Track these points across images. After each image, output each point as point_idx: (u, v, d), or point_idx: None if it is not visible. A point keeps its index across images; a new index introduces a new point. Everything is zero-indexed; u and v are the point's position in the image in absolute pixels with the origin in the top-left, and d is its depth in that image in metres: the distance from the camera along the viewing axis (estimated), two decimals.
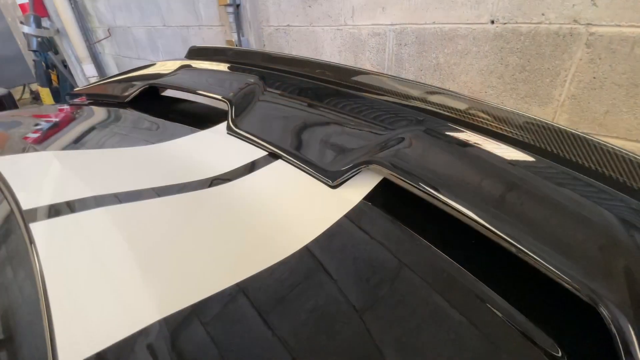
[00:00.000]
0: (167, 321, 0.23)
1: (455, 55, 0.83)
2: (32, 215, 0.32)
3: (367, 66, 1.00)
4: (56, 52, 3.05)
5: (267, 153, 0.50)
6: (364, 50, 1.00)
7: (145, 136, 0.67)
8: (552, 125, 0.40)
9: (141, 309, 0.24)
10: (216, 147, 0.55)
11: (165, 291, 0.26)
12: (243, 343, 0.23)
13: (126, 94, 0.86)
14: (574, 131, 0.39)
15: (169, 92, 0.87)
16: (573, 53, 0.67)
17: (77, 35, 2.78)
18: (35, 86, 3.90)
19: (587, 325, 0.25)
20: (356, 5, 0.96)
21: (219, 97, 0.66)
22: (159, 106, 0.85)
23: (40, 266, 0.26)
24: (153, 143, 0.58)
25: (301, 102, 0.61)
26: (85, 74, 2.91)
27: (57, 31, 2.83)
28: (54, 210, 0.33)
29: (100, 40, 2.65)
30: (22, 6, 2.79)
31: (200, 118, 0.74)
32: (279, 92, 0.66)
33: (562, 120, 0.73)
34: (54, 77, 3.10)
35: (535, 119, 0.42)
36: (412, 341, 0.24)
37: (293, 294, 0.27)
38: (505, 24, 0.73)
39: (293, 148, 0.49)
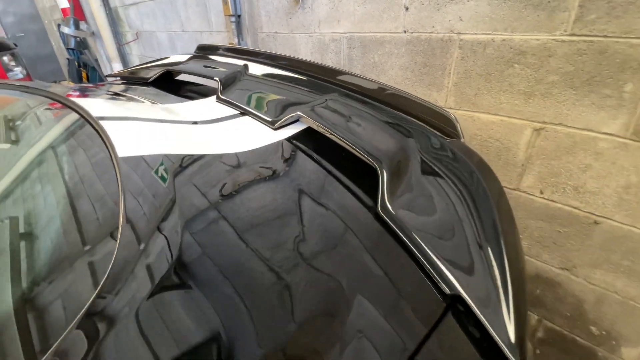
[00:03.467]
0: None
1: (384, 56, 1.16)
2: (102, 120, 0.64)
3: (329, 64, 1.33)
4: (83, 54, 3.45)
5: (239, 112, 0.81)
6: (327, 52, 1.34)
7: (162, 100, 1.01)
8: (398, 90, 0.73)
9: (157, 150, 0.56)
10: (209, 108, 0.86)
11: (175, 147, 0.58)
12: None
13: (149, 76, 1.20)
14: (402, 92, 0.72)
15: (182, 77, 1.20)
16: (452, 53, 0.99)
17: (109, 37, 3.21)
18: (65, 83, 4.36)
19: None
20: (321, 18, 1.30)
21: (214, 77, 0.98)
22: (173, 85, 1.19)
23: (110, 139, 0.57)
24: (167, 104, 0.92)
25: (267, 82, 0.94)
26: (114, 72, 3.33)
27: (92, 33, 3.27)
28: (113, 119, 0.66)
29: (129, 42, 3.07)
30: (63, 10, 3.25)
31: (201, 92, 1.07)
32: (255, 75, 1.00)
33: (450, 102, 1.04)
34: (84, 74, 3.53)
35: (386, 85, 0.74)
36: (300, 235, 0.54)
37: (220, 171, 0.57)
38: (412, 33, 1.06)
39: (254, 109, 0.78)
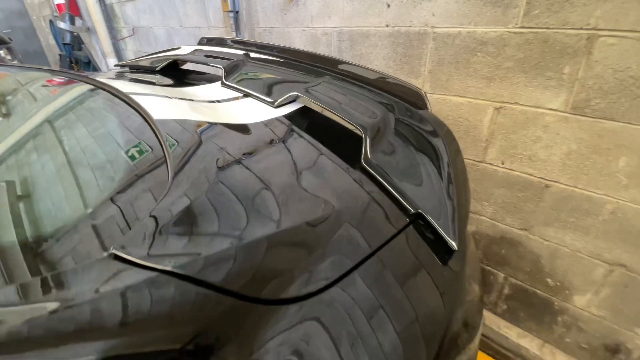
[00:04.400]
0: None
1: (370, 47, 1.31)
2: (132, 96, 0.78)
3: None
4: (79, 49, 3.53)
5: (243, 95, 0.95)
6: (319, 45, 1.48)
7: (170, 85, 1.13)
8: (378, 72, 0.87)
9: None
10: (215, 91, 0.98)
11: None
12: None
13: (157, 65, 1.32)
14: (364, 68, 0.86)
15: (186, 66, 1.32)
16: (427, 44, 1.14)
17: (104, 33, 3.28)
18: None
19: None
20: (313, 14, 1.44)
21: (219, 66, 1.11)
22: (179, 73, 1.31)
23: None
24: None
25: (267, 68, 1.08)
26: (109, 67, 3.40)
27: (88, 29, 3.33)
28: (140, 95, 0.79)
29: (125, 38, 3.15)
30: (58, 5, 3.31)
31: (205, 79, 1.20)
32: (255, 63, 1.13)
33: (427, 87, 1.19)
34: (76, 69, 3.60)
35: (368, 68, 0.89)
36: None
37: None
38: (394, 27, 1.21)
39: (256, 91, 0.93)
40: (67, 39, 3.20)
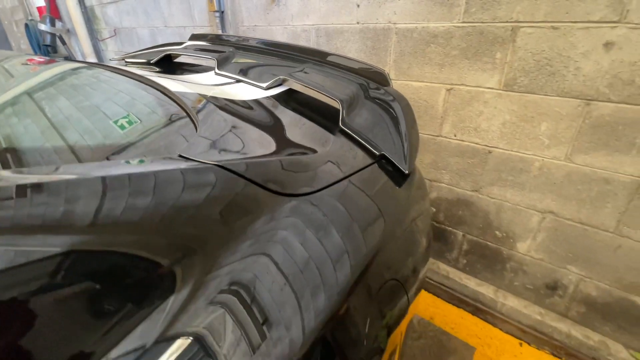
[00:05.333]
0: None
1: (344, 42, 1.51)
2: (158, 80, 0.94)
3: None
4: (55, 52, 3.56)
5: (234, 80, 1.12)
6: (299, 40, 1.67)
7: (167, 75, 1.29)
8: (350, 57, 1.07)
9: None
10: (210, 78, 1.16)
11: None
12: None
13: (152, 58, 1.46)
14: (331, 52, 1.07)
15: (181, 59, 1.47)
16: (391, 38, 1.36)
17: (84, 34, 3.33)
18: None
19: None
20: (294, 13, 1.63)
21: (211, 58, 1.27)
22: (173, 65, 1.46)
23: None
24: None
25: (255, 58, 1.25)
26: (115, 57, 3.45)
27: (68, 30, 3.37)
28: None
29: (106, 39, 3.22)
30: (39, 9, 3.33)
31: (198, 70, 1.36)
32: (245, 54, 1.31)
33: (392, 74, 1.41)
34: None
35: (341, 55, 1.09)
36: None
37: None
38: (363, 24, 1.42)
39: (247, 77, 1.11)
40: (47, 40, 3.24)
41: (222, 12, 1.89)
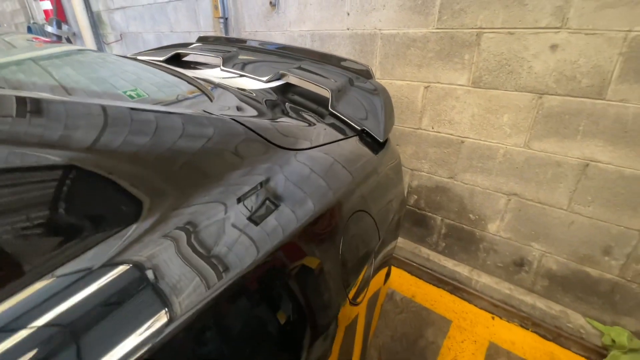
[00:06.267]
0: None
1: (336, 46, 1.70)
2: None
3: None
4: None
5: (239, 75, 1.29)
6: (296, 44, 1.86)
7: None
8: (338, 55, 1.25)
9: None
10: (215, 73, 1.33)
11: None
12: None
13: (162, 57, 1.62)
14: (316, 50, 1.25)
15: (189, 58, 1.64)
16: (377, 43, 1.55)
17: (90, 38, 3.49)
18: None
19: None
20: (291, 20, 1.82)
21: (217, 56, 1.44)
22: (181, 64, 1.63)
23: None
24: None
25: (257, 57, 1.43)
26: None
27: (74, 34, 3.53)
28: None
29: (111, 43, 3.39)
30: (46, 12, 3.49)
31: (205, 67, 1.52)
32: (246, 54, 1.48)
33: (378, 74, 1.59)
34: None
35: (332, 53, 1.27)
36: None
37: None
38: (353, 30, 1.61)
39: (249, 73, 1.28)
40: None
41: (226, 18, 2.08)
